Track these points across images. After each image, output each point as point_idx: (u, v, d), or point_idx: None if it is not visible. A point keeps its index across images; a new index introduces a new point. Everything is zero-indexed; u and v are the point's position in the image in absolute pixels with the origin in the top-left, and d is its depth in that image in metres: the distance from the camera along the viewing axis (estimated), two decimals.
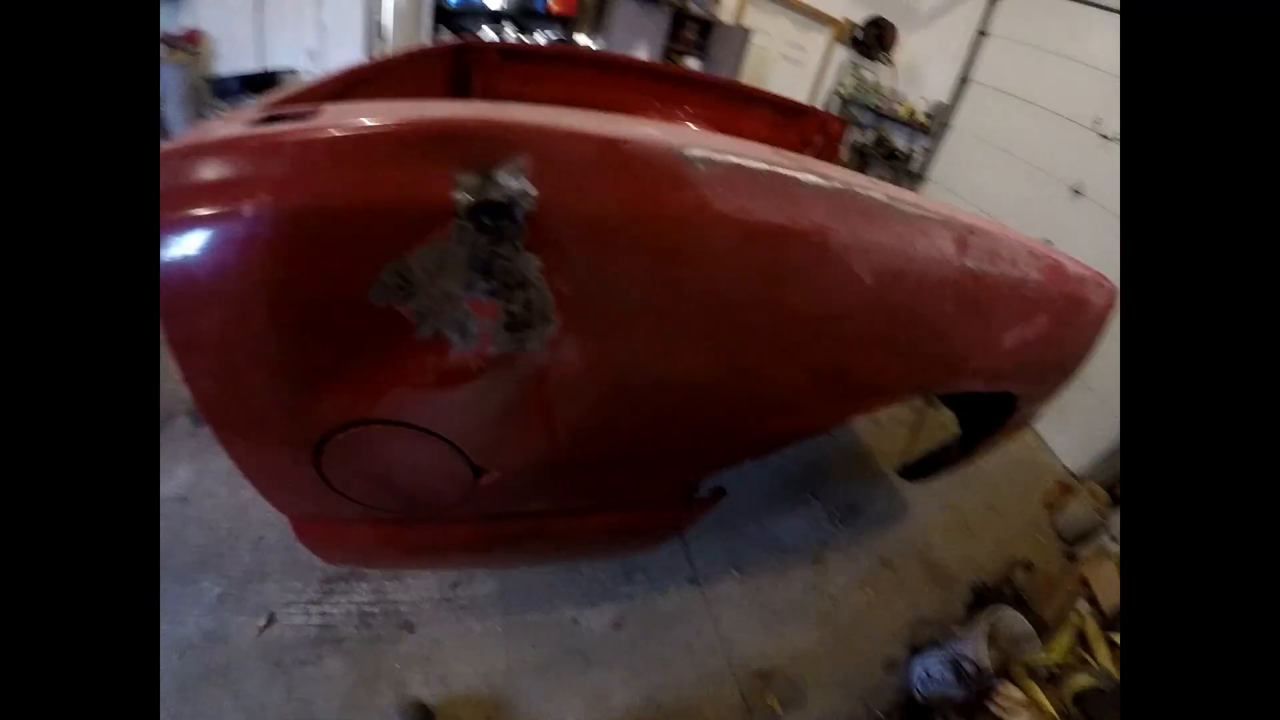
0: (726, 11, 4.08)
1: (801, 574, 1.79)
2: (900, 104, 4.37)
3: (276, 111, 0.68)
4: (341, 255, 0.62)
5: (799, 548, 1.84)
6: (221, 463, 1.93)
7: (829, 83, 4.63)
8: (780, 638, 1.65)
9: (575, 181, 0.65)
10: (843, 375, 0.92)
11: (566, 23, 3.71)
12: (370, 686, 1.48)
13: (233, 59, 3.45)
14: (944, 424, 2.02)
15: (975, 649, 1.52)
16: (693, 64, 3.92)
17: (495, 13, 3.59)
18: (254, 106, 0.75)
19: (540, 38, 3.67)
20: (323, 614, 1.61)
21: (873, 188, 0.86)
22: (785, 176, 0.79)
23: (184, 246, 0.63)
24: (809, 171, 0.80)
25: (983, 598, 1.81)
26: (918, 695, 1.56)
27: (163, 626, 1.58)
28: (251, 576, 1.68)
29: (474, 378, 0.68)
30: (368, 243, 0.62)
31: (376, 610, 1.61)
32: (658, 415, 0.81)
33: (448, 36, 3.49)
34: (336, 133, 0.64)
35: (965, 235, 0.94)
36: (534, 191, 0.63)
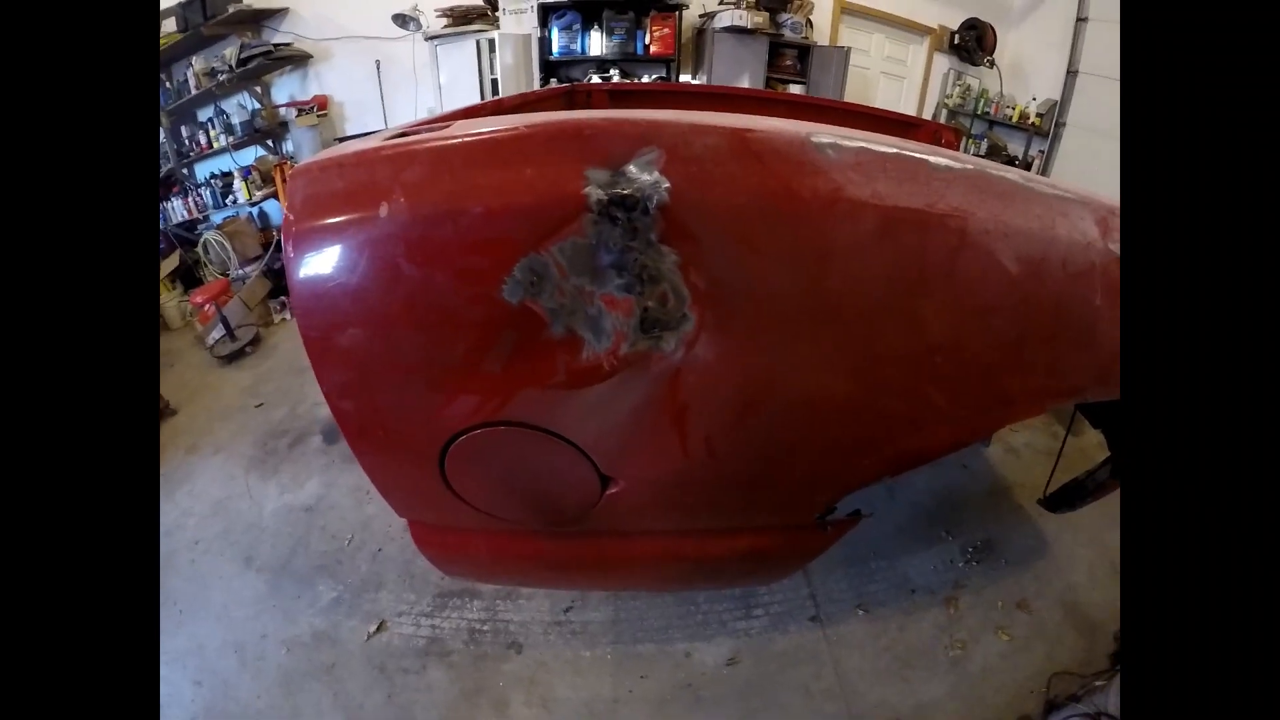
0: (821, 34, 4.02)
1: (932, 616, 1.61)
2: (1010, 107, 4.08)
3: (407, 130, 0.71)
4: (474, 253, 0.63)
5: (930, 587, 1.66)
6: (349, 479, 2.10)
7: (934, 94, 4.42)
8: (905, 685, 1.48)
9: (706, 172, 0.62)
10: (990, 377, 0.81)
11: (668, 63, 3.81)
12: (471, 701, 1.48)
13: (359, 120, 3.86)
14: (1086, 453, 1.78)
15: (1119, 704, 1.28)
16: (795, 90, 3.87)
17: (598, 59, 3.76)
18: (383, 133, 0.79)
19: (644, 79, 3.78)
20: (433, 626, 1.64)
21: (1005, 169, 0.78)
22: (915, 159, 0.73)
23: (320, 252, 0.67)
24: (938, 154, 0.73)
25: None
26: None
27: (276, 624, 1.69)
28: (367, 585, 1.76)
29: (606, 379, 0.66)
30: (501, 241, 0.62)
31: (486, 628, 1.63)
32: (794, 423, 0.75)
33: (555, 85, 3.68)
34: (468, 138, 0.65)
35: (1108, 216, 0.82)
36: (666, 183, 0.60)
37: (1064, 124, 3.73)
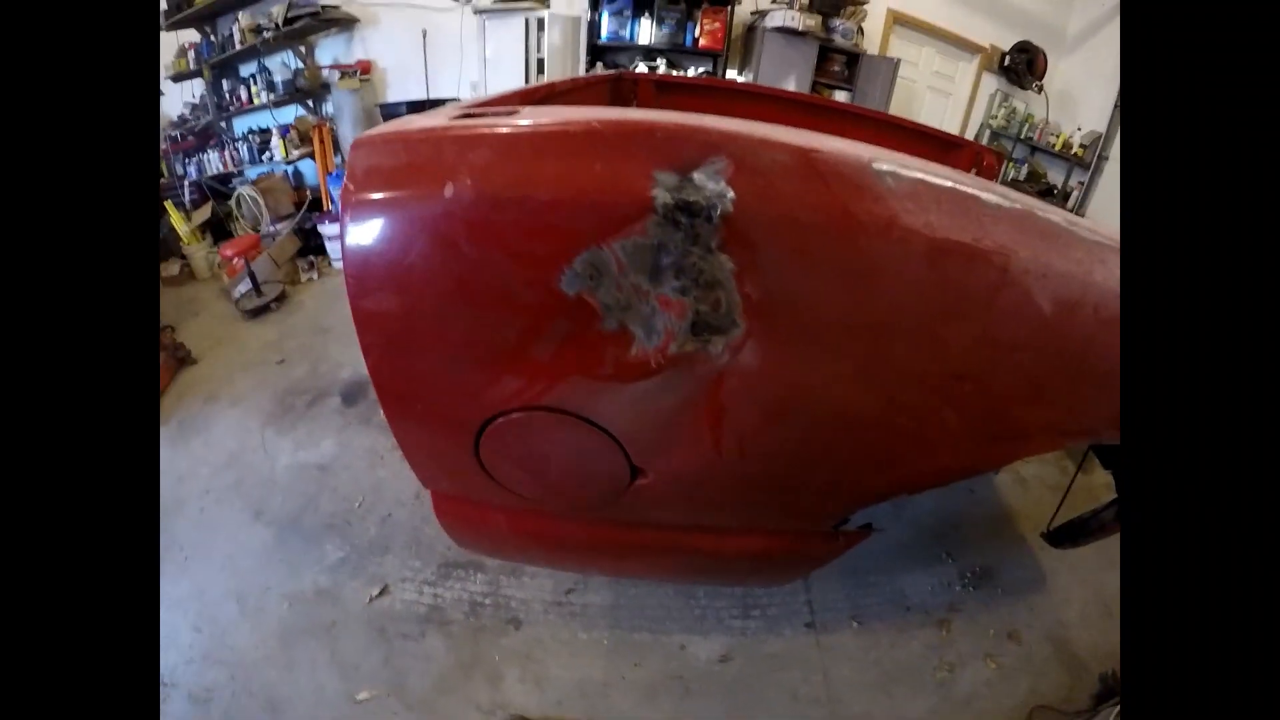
0: (871, 43, 3.99)
1: (923, 635, 1.63)
2: (1054, 135, 4.04)
3: (470, 110, 0.73)
4: (536, 241, 0.65)
5: (925, 607, 1.68)
6: (364, 441, 2.15)
7: (979, 114, 4.38)
8: (890, 700, 1.51)
9: (771, 187, 0.65)
10: (1012, 410, 0.84)
11: (715, 58, 3.80)
12: (466, 672, 1.52)
13: (401, 87, 3.87)
14: (1093, 492, 1.79)
15: None
16: (840, 97, 3.86)
17: (646, 48, 3.75)
18: (446, 110, 0.81)
19: (690, 72, 3.78)
20: (435, 595, 1.68)
21: (1050, 210, 0.80)
22: (969, 195, 0.75)
23: (377, 223, 0.69)
24: (990, 191, 0.75)
25: (1112, 691, 1.57)
26: None
27: (280, 578, 1.72)
28: (374, 548, 1.80)
29: (651, 375, 0.68)
30: (564, 232, 0.65)
31: (488, 602, 1.67)
32: (823, 433, 0.77)
33: (601, 70, 3.69)
34: (539, 127, 0.68)
35: None
36: (732, 194, 0.62)
37: (1106, 158, 3.69)
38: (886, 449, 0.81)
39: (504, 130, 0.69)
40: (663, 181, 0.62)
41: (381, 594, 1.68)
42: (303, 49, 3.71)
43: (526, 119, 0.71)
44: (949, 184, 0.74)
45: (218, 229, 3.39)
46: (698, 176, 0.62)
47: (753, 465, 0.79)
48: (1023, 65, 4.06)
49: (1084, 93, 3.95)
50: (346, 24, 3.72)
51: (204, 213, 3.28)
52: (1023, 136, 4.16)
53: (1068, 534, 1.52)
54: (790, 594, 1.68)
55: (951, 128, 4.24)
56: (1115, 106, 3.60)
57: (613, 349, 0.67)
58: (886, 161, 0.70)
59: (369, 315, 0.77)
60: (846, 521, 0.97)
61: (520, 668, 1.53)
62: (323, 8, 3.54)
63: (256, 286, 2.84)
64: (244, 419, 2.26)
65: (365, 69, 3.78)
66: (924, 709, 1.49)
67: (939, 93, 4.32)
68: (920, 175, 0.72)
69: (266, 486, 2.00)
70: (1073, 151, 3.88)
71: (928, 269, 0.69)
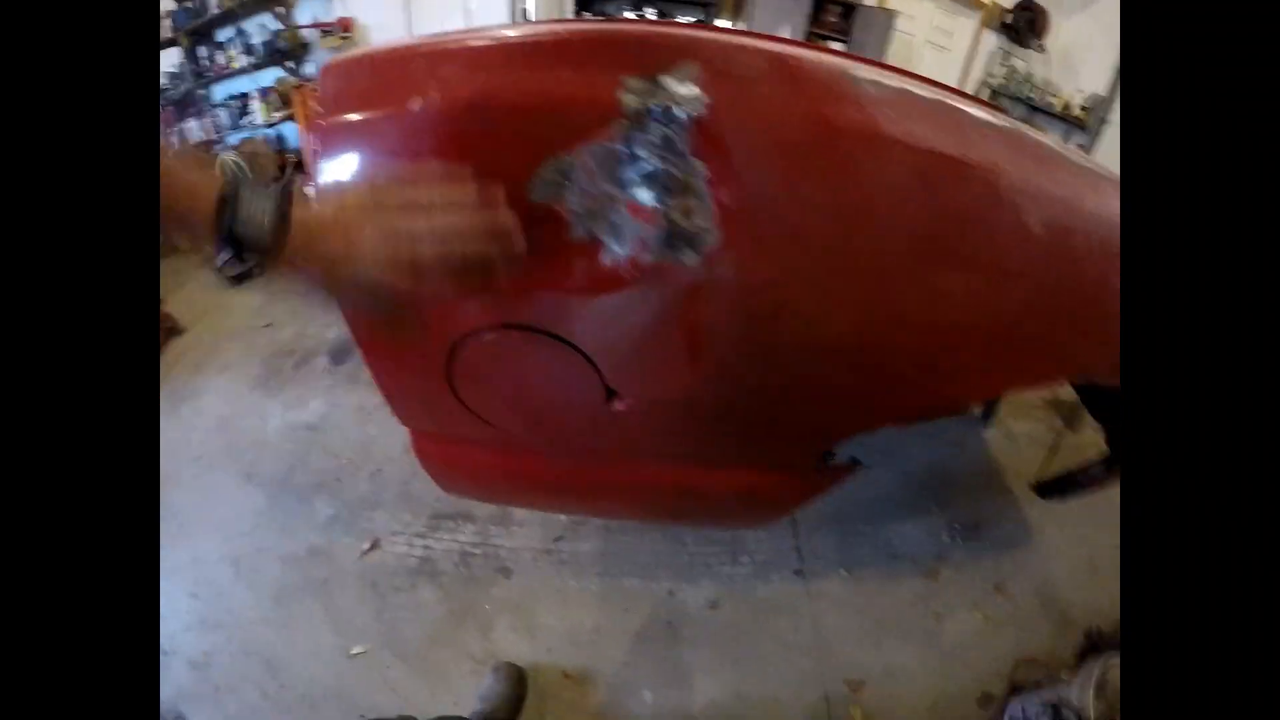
0: None
1: (912, 585, 1.65)
2: (1054, 96, 3.97)
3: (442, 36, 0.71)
4: (504, 150, 0.64)
5: (913, 556, 1.70)
6: (352, 399, 2.14)
7: (977, 72, 4.29)
8: (878, 648, 1.54)
9: (745, 92, 0.63)
10: (1003, 339, 0.82)
11: (707, 7, 3.71)
12: (458, 622, 1.55)
13: (383, 42, 3.73)
14: (1082, 450, 1.80)
15: (1080, 697, 1.32)
16: (836, 48, 3.77)
17: None
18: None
19: (681, 20, 3.69)
20: (426, 547, 1.70)
21: (1040, 134, 0.79)
22: (954, 108, 0.73)
23: (350, 147, 0.69)
24: (978, 108, 0.74)
25: (1096, 646, 1.59)
26: None
27: (273, 539, 1.75)
28: (364, 504, 1.81)
29: (623, 287, 0.67)
30: (532, 140, 0.63)
31: (478, 552, 1.68)
32: (805, 357, 0.76)
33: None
34: (507, 39, 0.66)
35: None
36: (704, 97, 0.61)
37: (1106, 121, 3.64)
38: (872, 376, 0.80)
39: (471, 44, 0.67)
40: (632, 86, 0.61)
41: (373, 549, 1.70)
42: (281, 9, 3.61)
43: (494, 34, 0.69)
44: (934, 96, 0.73)
45: None
46: (668, 81, 0.61)
47: (730, 388, 0.78)
48: (1024, 24, 3.98)
49: (1086, 54, 3.87)
50: None
51: None
52: (1023, 96, 4.09)
53: (1057, 486, 1.53)
54: (779, 541, 1.69)
55: (949, 84, 4.17)
56: (1117, 70, 3.54)
57: (582, 260, 0.65)
58: (867, 71, 0.69)
59: None
60: (833, 456, 0.97)
61: (511, 616, 1.56)
62: None
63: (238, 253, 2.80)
64: (233, 384, 2.26)
65: (346, 26, 3.68)
66: (912, 657, 1.52)
67: (937, 48, 4.23)
68: (904, 85, 0.71)
69: (257, 449, 2.01)
70: (1073, 114, 3.82)
71: (911, 181, 0.68)
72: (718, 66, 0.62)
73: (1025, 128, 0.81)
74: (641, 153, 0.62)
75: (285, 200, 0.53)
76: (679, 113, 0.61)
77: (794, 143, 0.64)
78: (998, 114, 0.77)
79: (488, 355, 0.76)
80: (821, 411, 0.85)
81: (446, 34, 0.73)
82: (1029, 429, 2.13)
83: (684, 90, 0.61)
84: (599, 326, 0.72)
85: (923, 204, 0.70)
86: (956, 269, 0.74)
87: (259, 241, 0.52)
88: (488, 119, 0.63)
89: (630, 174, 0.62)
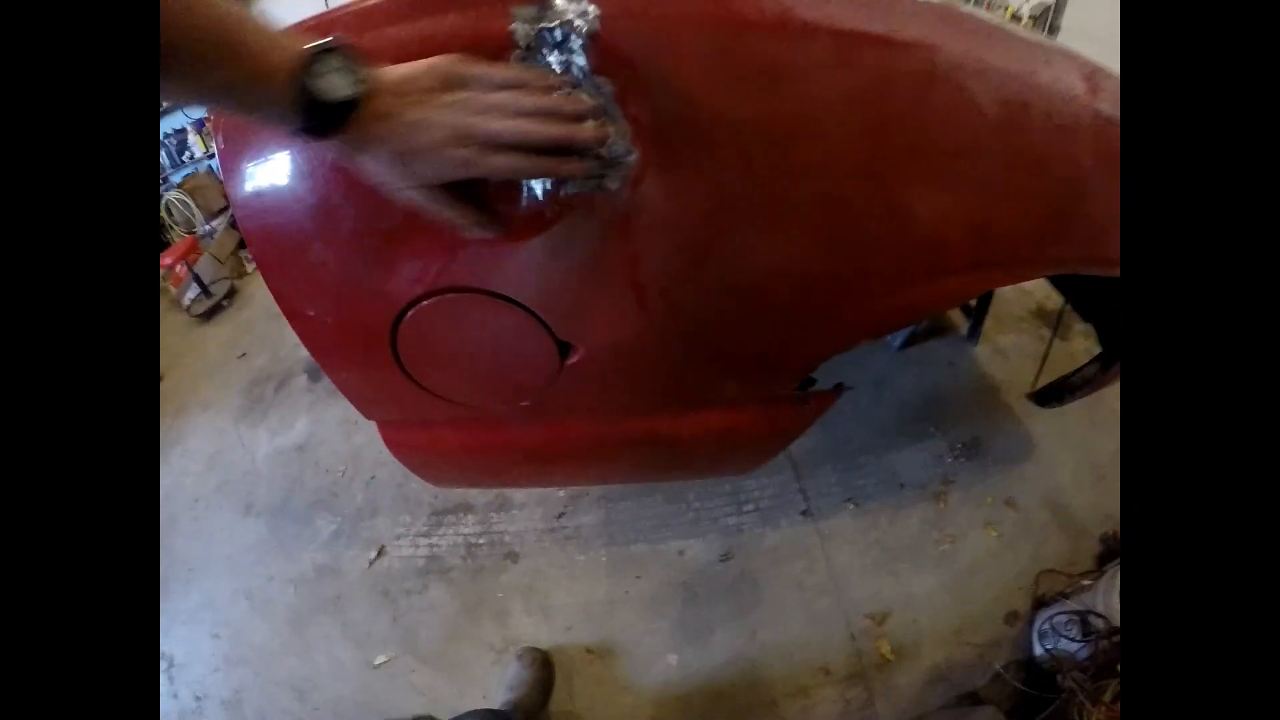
0: None
1: (921, 511, 1.63)
2: (1001, 7, 3.87)
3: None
4: None
5: (919, 483, 1.68)
6: (336, 413, 2.11)
7: None
8: (895, 579, 1.52)
9: None
10: (968, 231, 0.76)
11: None
12: (473, 615, 1.54)
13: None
14: (1074, 357, 1.78)
15: (1106, 603, 1.30)
16: None
17: None
18: None
19: None
20: (430, 545, 1.69)
21: (979, 10, 0.73)
22: None
23: (250, 140, 0.67)
24: None
25: (1113, 550, 1.57)
26: (1040, 651, 1.37)
27: (281, 565, 1.74)
28: (363, 513, 1.80)
29: (549, 228, 0.63)
30: None
31: (482, 541, 1.67)
32: (753, 276, 0.72)
33: None
34: None
35: (1094, 75, 0.77)
36: (595, 9, 0.56)
37: (1058, 28, 3.54)
38: (832, 287, 0.75)
39: (354, 7, 0.63)
40: (520, 15, 0.56)
41: (379, 556, 1.69)
42: None
43: None
44: None
45: None
46: (557, 2, 0.57)
47: (683, 323, 0.74)
48: None
49: None
50: None
51: None
52: (969, 1, 4.00)
53: (1053, 393, 1.50)
54: (783, 484, 1.67)
55: None
56: None
57: (502, 207, 0.61)
58: None
59: (264, 241, 0.72)
60: (814, 383, 0.94)
61: (524, 600, 1.55)
62: None
63: (204, 288, 2.75)
64: (216, 420, 2.23)
65: None
66: (931, 583, 1.51)
67: None
68: None
69: (250, 479, 1.99)
70: (1022, 22, 3.73)
71: (838, 68, 0.63)
72: None
73: (955, 3, 0.76)
74: None
75: (363, 64, 0.50)
76: (573, 32, 0.56)
77: (702, 43, 0.59)
78: None
79: (430, 327, 0.73)
80: (786, 336, 0.81)
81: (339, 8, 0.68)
82: (1017, 341, 2.10)
83: (574, 6, 0.56)
84: (535, 277, 0.68)
85: (855, 93, 0.65)
86: (904, 158, 0.69)
87: (337, 105, 0.48)
88: None
89: None
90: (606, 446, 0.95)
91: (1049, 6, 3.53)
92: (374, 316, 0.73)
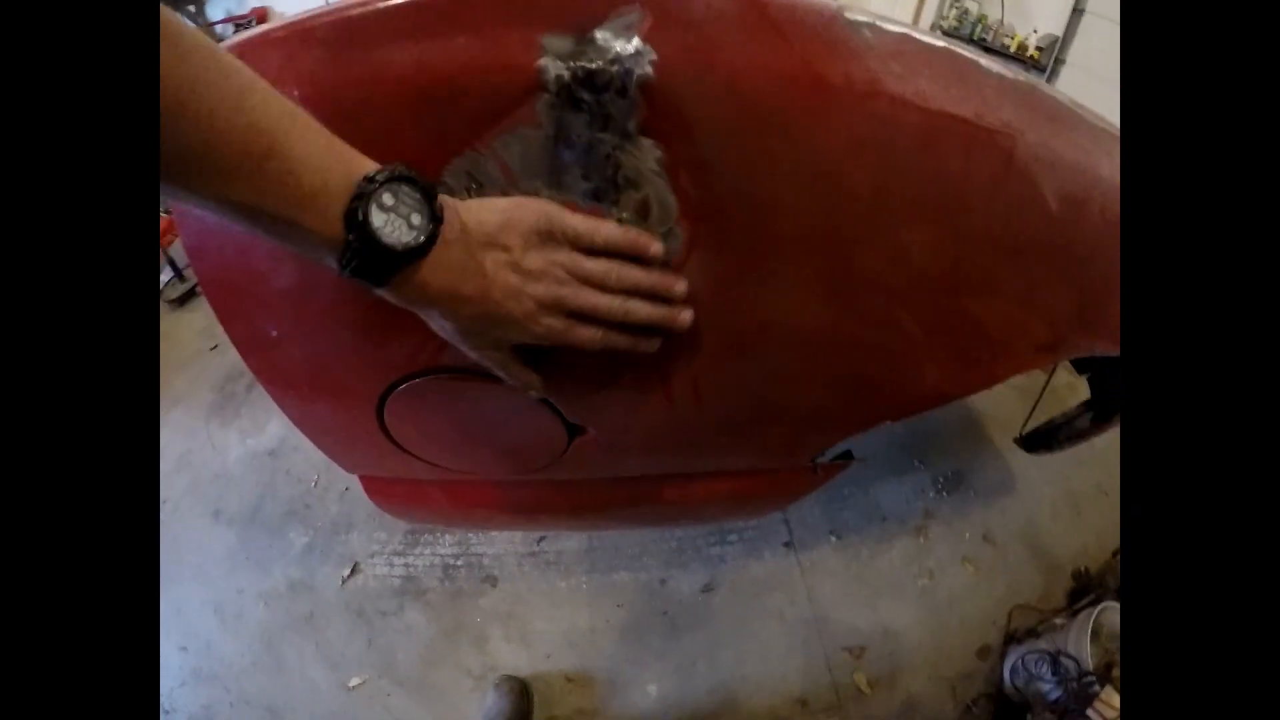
0: None
1: (902, 545, 1.59)
2: (1009, 37, 3.78)
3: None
4: (392, 154, 0.45)
5: (901, 516, 1.63)
6: None
7: (929, 15, 4.05)
8: (874, 612, 1.49)
9: (707, 42, 0.45)
10: (1015, 322, 0.69)
11: None
12: (451, 639, 1.44)
13: None
14: (1057, 393, 1.74)
15: (1077, 645, 1.29)
16: None
17: None
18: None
19: None
20: (407, 565, 1.56)
21: (1052, 88, 0.64)
22: (965, 58, 0.57)
23: None
24: (986, 58, 0.58)
25: (1085, 587, 1.57)
26: (1010, 688, 1.36)
27: (252, 578, 1.59)
28: (338, 527, 1.66)
29: None
30: (427, 135, 0.45)
31: (460, 563, 1.55)
32: (798, 359, 0.60)
33: None
34: (381, 5, 0.46)
35: None
36: (652, 54, 0.43)
37: (1063, 61, 3.47)
38: (876, 370, 0.65)
39: (340, 17, 0.47)
40: (552, 47, 0.42)
41: (353, 573, 1.56)
42: (191, 7, 3.16)
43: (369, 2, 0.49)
44: (940, 44, 0.55)
45: None
46: (601, 35, 0.42)
47: (714, 406, 0.62)
48: None
49: None
50: None
51: None
52: (976, 38, 3.87)
53: (1042, 440, 1.45)
54: (767, 517, 1.60)
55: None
56: (1073, 8, 3.33)
57: None
58: (859, 12, 0.51)
59: (223, 292, 0.57)
60: (824, 453, 0.84)
61: (504, 626, 1.45)
62: None
63: (178, 272, 2.52)
64: (187, 418, 2.03)
65: (262, 17, 3.24)
66: (909, 617, 1.47)
67: None
68: (905, 31, 0.53)
69: (221, 483, 1.82)
70: (1029, 54, 3.64)
71: (919, 150, 0.52)
72: (667, 10, 0.44)
73: (1038, 81, 0.66)
74: (574, 136, 0.44)
75: (435, 199, 0.38)
76: (618, 77, 0.43)
77: (775, 107, 0.46)
78: (1007, 65, 0.61)
79: (421, 404, 0.59)
80: (815, 414, 0.70)
81: (316, 11, 0.52)
82: None
83: (623, 46, 0.43)
84: (545, 360, 0.55)
85: (931, 178, 0.54)
86: (966, 252, 0.60)
87: (399, 249, 0.37)
88: (365, 114, 0.44)
89: (561, 165, 0.44)
90: (606, 506, 0.84)
91: (1056, 40, 3.45)
92: (359, 389, 0.59)
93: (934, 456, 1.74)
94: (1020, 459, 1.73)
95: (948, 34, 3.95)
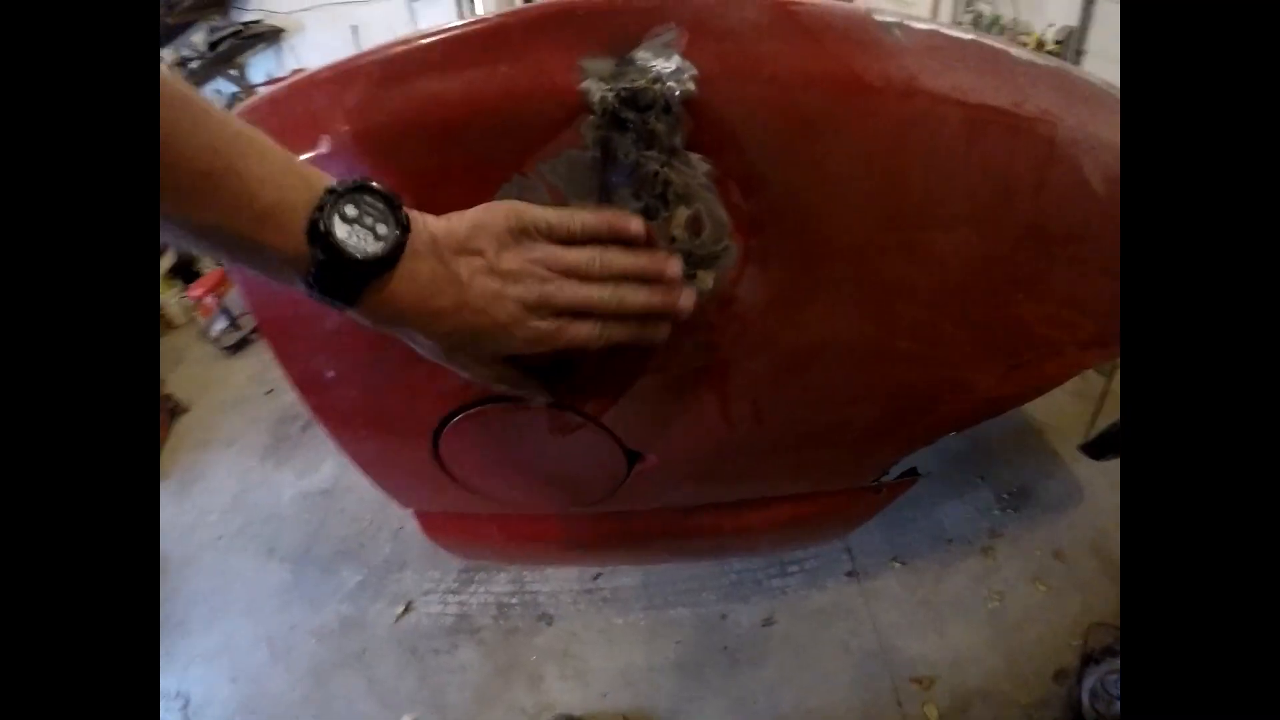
0: None
1: (968, 566, 1.49)
2: (1025, 35, 3.73)
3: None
4: (443, 183, 0.46)
5: (965, 537, 1.54)
6: None
7: (944, 17, 4.05)
8: (942, 639, 1.39)
9: (745, 54, 0.45)
10: (1078, 317, 0.65)
11: None
12: (505, 678, 1.40)
13: None
14: (1118, 396, 1.64)
15: None
16: None
17: None
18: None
19: None
20: (460, 604, 1.55)
21: (1083, 70, 0.62)
22: (995, 48, 0.55)
23: None
24: (1014, 46, 0.57)
25: None
26: (1090, 712, 1.24)
27: (304, 614, 1.61)
28: (391, 566, 1.67)
29: None
30: (474, 163, 0.46)
31: (515, 601, 1.53)
32: (858, 373, 0.59)
33: None
34: (426, 41, 0.48)
35: None
36: (692, 69, 0.43)
37: (1083, 52, 3.40)
38: (939, 378, 0.62)
39: (379, 56, 0.49)
40: (593, 70, 0.43)
41: (406, 611, 1.56)
42: (234, 72, 3.43)
43: (410, 39, 0.51)
44: (970, 36, 0.55)
45: (184, 271, 3.17)
46: (641, 55, 0.43)
47: (773, 428, 0.60)
48: None
49: None
50: (272, 37, 3.42)
51: (167, 259, 3.06)
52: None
53: (1108, 444, 1.37)
54: (827, 545, 1.54)
55: None
56: None
57: None
58: (888, 14, 0.51)
59: (279, 329, 0.59)
60: (887, 472, 0.80)
61: (559, 665, 1.41)
62: (244, 25, 3.25)
63: (233, 320, 2.65)
64: (241, 458, 2.12)
65: None
66: (979, 641, 1.37)
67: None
68: (934, 27, 0.53)
69: (275, 522, 1.87)
70: (1046, 49, 3.59)
71: (963, 145, 0.50)
72: (704, 25, 0.44)
73: (1067, 65, 0.64)
74: (620, 155, 0.44)
75: (401, 209, 0.37)
76: (661, 94, 0.43)
77: (818, 112, 0.46)
78: (1035, 51, 0.60)
79: (476, 435, 0.59)
80: (879, 429, 0.67)
81: (359, 54, 0.55)
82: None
83: (664, 63, 0.43)
84: (603, 389, 0.54)
85: (978, 171, 0.52)
86: (1018, 245, 0.58)
87: (363, 262, 0.35)
88: (415, 145, 0.46)
89: (610, 185, 0.45)
90: (665, 538, 0.82)
91: (1073, 30, 3.39)
92: (414, 420, 0.60)
93: (996, 472, 1.65)
94: (1086, 467, 1.62)
95: None
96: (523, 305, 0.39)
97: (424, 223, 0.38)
